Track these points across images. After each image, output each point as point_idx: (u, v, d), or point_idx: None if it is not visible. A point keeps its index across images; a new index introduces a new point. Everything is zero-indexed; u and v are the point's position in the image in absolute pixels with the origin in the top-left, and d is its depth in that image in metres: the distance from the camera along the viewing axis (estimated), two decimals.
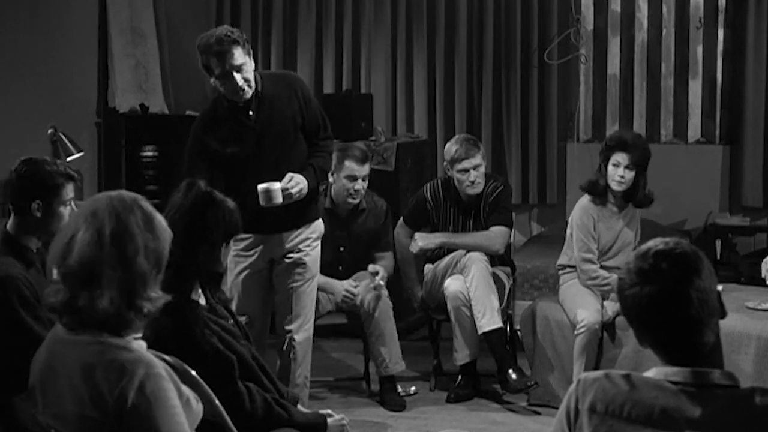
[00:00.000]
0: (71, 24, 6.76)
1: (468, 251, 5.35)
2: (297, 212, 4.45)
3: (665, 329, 2.02)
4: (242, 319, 3.95)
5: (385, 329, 5.25)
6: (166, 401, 2.14)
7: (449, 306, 5.28)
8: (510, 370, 5.14)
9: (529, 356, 5.33)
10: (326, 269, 5.00)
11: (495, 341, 5.18)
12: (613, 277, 5.06)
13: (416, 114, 7.47)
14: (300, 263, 4.53)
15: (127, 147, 6.87)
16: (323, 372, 5.62)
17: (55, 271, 2.22)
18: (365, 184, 5.39)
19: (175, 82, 7.48)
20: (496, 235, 5.43)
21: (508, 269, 5.69)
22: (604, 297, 5.08)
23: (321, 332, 4.95)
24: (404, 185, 6.53)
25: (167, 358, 2.49)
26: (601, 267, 5.14)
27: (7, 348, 3.16)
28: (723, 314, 2.06)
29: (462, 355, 5.31)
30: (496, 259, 5.53)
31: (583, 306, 5.01)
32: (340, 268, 5.42)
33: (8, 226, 3.43)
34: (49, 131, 5.96)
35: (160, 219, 2.29)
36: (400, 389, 5.37)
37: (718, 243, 6.72)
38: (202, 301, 3.23)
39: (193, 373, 2.64)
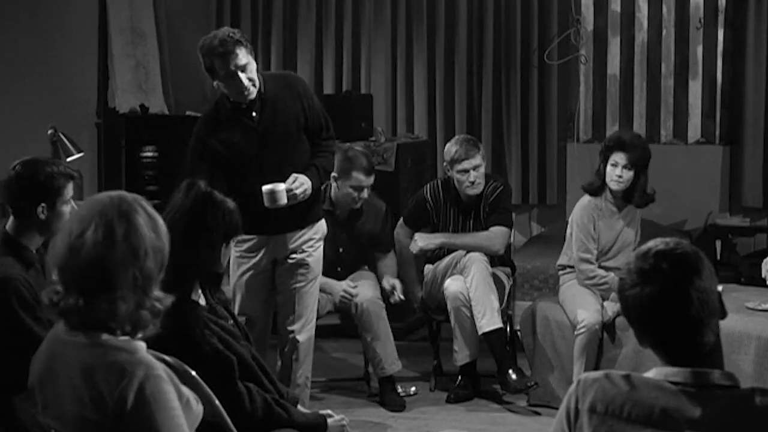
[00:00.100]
0: (71, 24, 6.77)
1: (468, 252, 5.35)
2: (301, 213, 4.45)
3: (666, 329, 2.02)
4: (241, 319, 3.96)
5: (378, 329, 5.25)
6: (165, 403, 2.14)
7: (449, 306, 5.28)
8: (510, 371, 5.14)
9: (529, 357, 5.33)
10: (325, 270, 5.00)
11: (495, 341, 5.18)
12: (611, 276, 5.07)
13: (416, 114, 7.47)
14: (303, 264, 4.54)
15: (127, 147, 6.87)
16: (323, 372, 5.62)
17: (55, 270, 2.22)
18: (368, 192, 5.41)
19: (175, 82, 7.48)
20: (496, 236, 5.43)
21: (508, 269, 5.69)
22: (604, 297, 5.08)
23: (321, 332, 4.96)
24: (404, 185, 6.53)
25: (167, 358, 2.49)
26: (602, 267, 5.14)
27: (7, 348, 3.16)
28: (723, 315, 2.06)
29: (462, 355, 5.31)
30: (496, 260, 5.53)
31: (583, 306, 5.01)
32: (339, 269, 5.42)
33: (8, 227, 3.42)
34: (49, 131, 5.95)
35: (160, 219, 2.29)
36: (400, 389, 5.37)
37: (718, 243, 6.72)
38: (202, 301, 3.23)
39: (193, 373, 2.64)
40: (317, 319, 4.84)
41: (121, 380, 2.11)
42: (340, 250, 5.44)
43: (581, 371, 4.86)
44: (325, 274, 5.01)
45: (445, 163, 5.50)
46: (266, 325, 4.68)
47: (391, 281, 5.44)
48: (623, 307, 2.08)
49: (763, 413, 1.96)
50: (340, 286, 5.32)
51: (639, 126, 7.09)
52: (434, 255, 5.56)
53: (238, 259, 4.56)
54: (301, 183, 4.31)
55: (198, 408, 2.34)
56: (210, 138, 4.38)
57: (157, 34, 7.35)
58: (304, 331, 4.57)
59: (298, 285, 4.54)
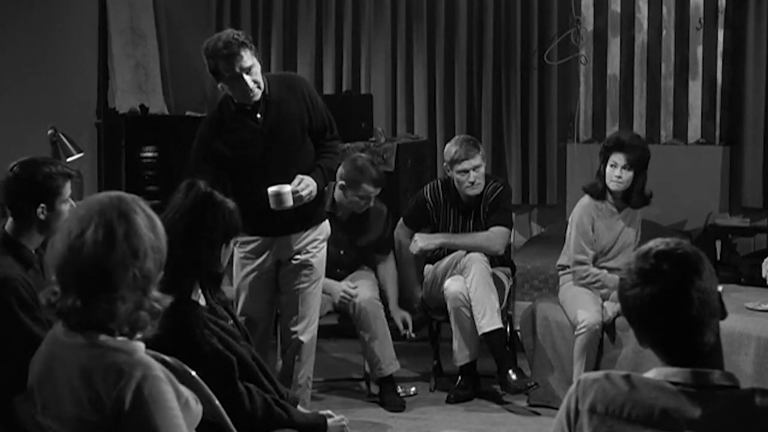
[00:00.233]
0: (71, 24, 6.77)
1: (468, 252, 5.35)
2: (305, 214, 4.44)
3: (666, 330, 2.02)
4: (243, 319, 3.96)
5: (376, 329, 5.25)
6: (164, 403, 2.14)
7: (449, 306, 5.28)
8: (510, 371, 5.14)
9: (529, 357, 5.33)
10: (325, 271, 5.00)
11: (495, 342, 5.18)
12: (603, 273, 5.09)
13: (416, 114, 7.47)
14: (307, 265, 4.54)
15: (127, 147, 6.87)
16: (323, 372, 5.61)
17: (53, 270, 2.21)
18: (374, 200, 5.44)
19: (175, 82, 7.48)
20: (496, 236, 5.43)
21: (508, 270, 5.69)
22: (604, 297, 5.08)
23: (321, 332, 4.96)
24: (404, 186, 6.53)
25: (167, 358, 2.49)
26: (602, 268, 5.15)
27: (6, 349, 3.16)
28: (723, 315, 2.06)
29: (462, 355, 5.31)
30: (496, 260, 5.53)
31: (583, 306, 5.01)
32: (338, 270, 5.42)
33: (7, 227, 3.42)
34: (49, 132, 5.96)
35: (158, 219, 2.29)
36: (399, 390, 5.37)
37: (718, 243, 6.72)
38: (202, 301, 3.23)
39: (193, 373, 2.65)
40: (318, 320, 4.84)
41: (119, 381, 2.11)
42: (341, 252, 5.44)
43: (581, 371, 4.86)
44: (325, 274, 5.01)
45: (445, 164, 5.50)
46: (268, 325, 4.68)
47: (402, 315, 5.47)
48: (623, 307, 2.08)
49: (763, 414, 1.96)
50: (340, 287, 5.33)
51: (639, 126, 7.09)
52: (434, 255, 5.56)
53: (243, 260, 4.56)
54: (306, 185, 4.31)
55: (197, 408, 2.34)
56: (214, 139, 4.37)
57: (157, 34, 7.35)
58: (306, 332, 4.57)
59: (301, 286, 4.54)
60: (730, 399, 1.99)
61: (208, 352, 3.07)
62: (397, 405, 5.25)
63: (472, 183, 5.39)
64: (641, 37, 7.10)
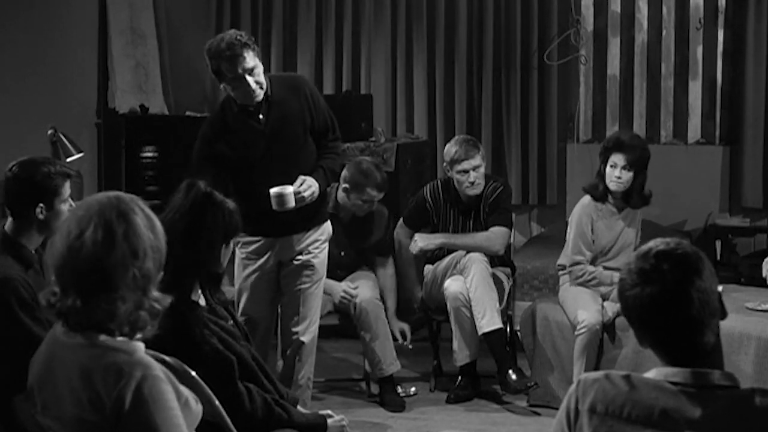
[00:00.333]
0: (71, 24, 6.76)
1: (468, 252, 5.35)
2: (307, 215, 4.44)
3: (666, 330, 2.02)
4: (243, 320, 3.96)
5: (377, 329, 5.26)
6: (163, 403, 2.14)
7: (449, 307, 5.28)
8: (510, 371, 5.14)
9: (529, 357, 5.33)
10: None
11: (495, 342, 5.18)
12: (598, 270, 5.10)
13: (416, 114, 7.47)
14: (308, 265, 4.53)
15: (127, 148, 6.87)
16: (323, 372, 5.61)
17: (52, 271, 2.21)
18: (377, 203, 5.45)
19: (175, 82, 7.48)
20: (496, 236, 5.43)
21: (508, 270, 5.69)
22: (604, 297, 5.09)
23: (321, 332, 4.96)
24: (404, 186, 6.53)
25: (167, 358, 2.49)
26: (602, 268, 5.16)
27: (7, 349, 3.16)
28: (723, 315, 2.06)
29: (462, 355, 5.31)
30: (496, 260, 5.53)
31: (583, 307, 5.01)
32: (339, 271, 5.42)
33: (6, 228, 3.42)
34: (49, 132, 5.95)
35: (157, 219, 2.29)
36: (399, 390, 5.37)
37: (718, 244, 6.72)
38: (202, 301, 3.23)
39: (193, 373, 2.64)
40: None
41: (119, 381, 2.11)
42: (342, 253, 5.44)
43: (581, 371, 4.86)
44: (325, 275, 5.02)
45: (444, 164, 5.50)
46: (269, 326, 4.68)
47: (399, 326, 5.48)
48: (623, 307, 2.08)
49: (763, 414, 1.96)
50: (340, 287, 5.33)
51: (639, 126, 7.09)
52: (434, 255, 5.56)
53: (244, 261, 4.56)
54: (309, 185, 4.30)
55: (197, 408, 2.34)
56: (216, 140, 4.37)
57: (157, 34, 7.35)
58: (308, 332, 4.57)
59: (303, 286, 4.54)
60: (730, 399, 1.99)
61: (208, 352, 3.07)
62: (397, 405, 5.25)
63: (472, 183, 5.39)
64: (641, 37, 7.10)
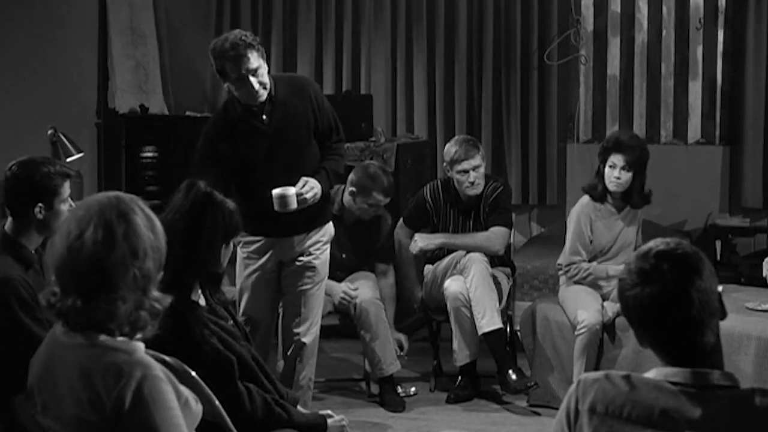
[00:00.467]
0: (71, 24, 6.76)
1: (468, 252, 5.35)
2: (309, 216, 4.43)
3: (666, 330, 2.02)
4: (243, 320, 3.96)
5: (378, 329, 5.26)
6: (163, 403, 2.14)
7: (449, 307, 5.28)
8: (510, 371, 5.14)
9: (529, 357, 5.33)
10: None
11: (495, 342, 5.18)
12: (593, 265, 5.11)
13: (416, 114, 7.47)
14: (310, 266, 4.53)
15: (127, 148, 6.87)
16: (323, 372, 5.61)
17: (52, 271, 2.21)
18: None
19: (175, 82, 7.48)
20: (496, 236, 5.43)
21: (508, 270, 5.69)
22: (604, 297, 5.09)
23: (321, 333, 4.96)
24: (404, 186, 6.53)
25: (167, 358, 2.49)
26: None
27: (7, 349, 3.16)
28: (723, 315, 2.06)
29: (462, 355, 5.31)
30: (496, 260, 5.53)
31: (583, 306, 5.01)
32: (339, 272, 5.42)
33: (6, 227, 3.42)
34: (49, 132, 5.95)
35: (157, 219, 2.29)
36: (399, 390, 5.37)
37: (718, 244, 6.72)
38: (202, 301, 3.23)
39: (193, 373, 2.64)
40: None
41: (119, 381, 2.11)
42: (343, 255, 5.44)
43: (581, 371, 4.86)
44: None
45: (444, 164, 5.50)
46: (270, 326, 4.68)
47: (396, 336, 5.48)
48: (623, 307, 2.08)
49: (763, 414, 1.96)
50: (340, 288, 5.33)
51: (639, 126, 7.09)
52: (434, 255, 5.56)
53: (245, 261, 4.56)
54: (311, 187, 4.30)
55: (197, 408, 2.34)
56: (219, 139, 4.37)
57: (157, 34, 7.35)
58: (309, 333, 4.57)
59: (304, 287, 4.54)
60: (730, 399, 1.99)
61: (208, 352, 3.07)
62: (397, 405, 5.25)
63: (472, 183, 5.39)
64: (641, 37, 7.10)
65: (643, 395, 2.01)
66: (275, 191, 4.22)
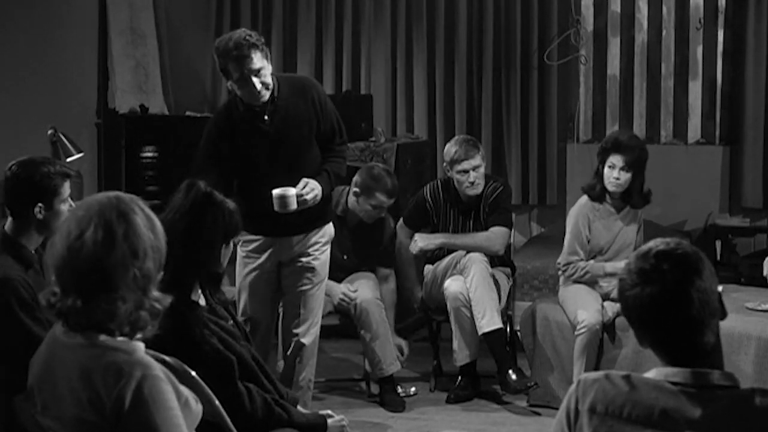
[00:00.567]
0: (71, 24, 6.76)
1: (468, 252, 5.35)
2: (309, 217, 4.43)
3: (666, 330, 2.02)
4: (242, 319, 3.96)
5: (378, 329, 5.25)
6: (163, 403, 2.14)
7: (449, 307, 5.28)
8: (510, 371, 5.14)
9: (529, 357, 5.33)
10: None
11: (495, 342, 5.18)
12: (590, 263, 5.12)
13: (416, 114, 7.47)
14: (309, 267, 4.53)
15: (127, 148, 6.87)
16: (323, 372, 5.61)
17: (52, 271, 2.21)
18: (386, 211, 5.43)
19: (175, 82, 7.48)
20: (496, 236, 5.43)
21: (508, 270, 5.69)
22: (604, 297, 5.09)
23: (321, 333, 4.97)
24: (404, 185, 6.51)
25: (167, 358, 2.49)
26: None
27: (7, 349, 3.16)
28: (723, 315, 2.06)
29: (462, 355, 5.31)
30: (496, 260, 5.53)
31: (583, 306, 5.01)
32: (339, 273, 5.41)
33: (6, 227, 3.42)
34: (49, 132, 5.96)
35: (157, 219, 2.29)
36: (400, 390, 5.37)
37: (718, 244, 6.72)
38: (202, 301, 3.23)
39: (193, 373, 2.64)
40: None
41: (119, 380, 2.11)
42: (345, 257, 5.44)
43: (581, 371, 4.86)
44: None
45: (444, 164, 5.50)
46: (270, 326, 4.68)
47: (397, 341, 5.47)
48: (623, 307, 2.08)
49: (763, 414, 1.96)
50: (339, 289, 5.33)
51: (639, 126, 7.09)
52: (434, 255, 5.56)
53: (244, 259, 4.56)
54: (311, 188, 4.29)
55: (197, 408, 2.34)
56: (221, 139, 4.37)
57: (157, 34, 7.35)
58: (308, 334, 4.56)
59: (303, 288, 4.54)
60: (730, 399, 1.99)
61: (208, 352, 3.07)
62: (397, 405, 5.25)
63: (472, 183, 5.39)
64: (641, 37, 7.10)
65: (643, 395, 2.01)
66: (275, 191, 4.22)
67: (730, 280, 5.85)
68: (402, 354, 5.49)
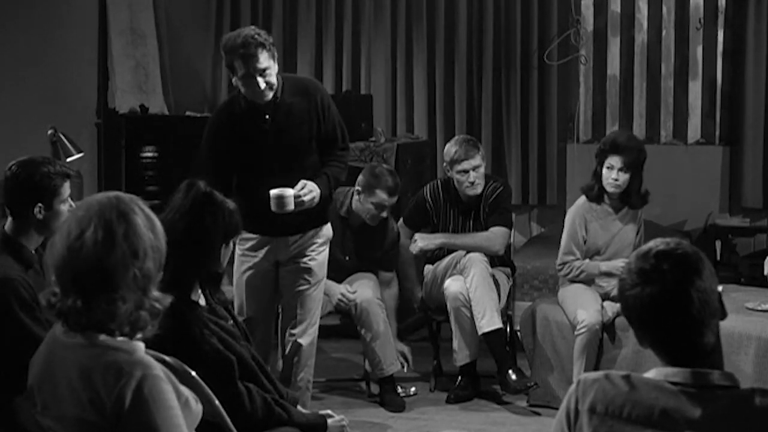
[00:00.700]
0: (71, 24, 6.77)
1: (468, 252, 5.35)
2: (307, 218, 4.42)
3: (666, 330, 2.02)
4: (241, 319, 3.95)
5: (378, 330, 5.25)
6: (163, 402, 2.14)
7: (449, 307, 5.28)
8: (510, 371, 5.14)
9: (529, 357, 5.33)
10: (328, 273, 5.01)
11: (495, 342, 5.18)
12: (585, 262, 5.12)
13: (416, 114, 7.47)
14: (306, 268, 4.52)
15: (127, 148, 6.88)
16: (323, 372, 5.61)
17: (53, 271, 2.21)
18: (388, 211, 5.41)
19: (175, 82, 7.48)
20: (496, 236, 5.43)
21: (508, 270, 5.69)
22: (604, 297, 5.09)
23: (321, 333, 4.97)
24: (404, 186, 6.50)
25: (167, 358, 2.49)
26: None
27: (7, 349, 3.16)
28: (723, 315, 2.06)
29: (462, 355, 5.31)
30: (496, 260, 5.53)
31: (583, 306, 5.01)
32: (340, 274, 5.41)
33: (6, 227, 3.42)
34: (49, 132, 5.95)
35: (157, 219, 2.29)
36: (400, 390, 5.37)
37: (718, 244, 6.72)
38: (202, 301, 3.23)
39: (193, 373, 2.64)
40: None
41: (119, 380, 2.11)
42: (346, 258, 5.43)
43: (581, 371, 4.86)
44: (327, 276, 5.02)
45: (444, 164, 5.50)
46: (269, 326, 4.67)
47: (399, 347, 5.46)
48: (623, 307, 2.08)
49: (763, 414, 1.96)
50: (338, 289, 5.32)
51: (639, 126, 7.10)
52: (434, 255, 5.56)
53: (241, 258, 4.55)
54: (309, 190, 4.28)
55: (197, 408, 2.34)
56: (221, 133, 4.38)
57: (157, 34, 7.35)
58: (306, 334, 4.55)
59: (300, 288, 4.53)
60: (730, 399, 1.99)
61: (208, 352, 3.07)
62: (397, 405, 5.25)
63: (472, 183, 5.39)
64: (641, 37, 7.10)
65: (643, 395, 2.01)
66: (273, 192, 4.22)
67: (730, 280, 5.85)
68: (407, 361, 5.47)
